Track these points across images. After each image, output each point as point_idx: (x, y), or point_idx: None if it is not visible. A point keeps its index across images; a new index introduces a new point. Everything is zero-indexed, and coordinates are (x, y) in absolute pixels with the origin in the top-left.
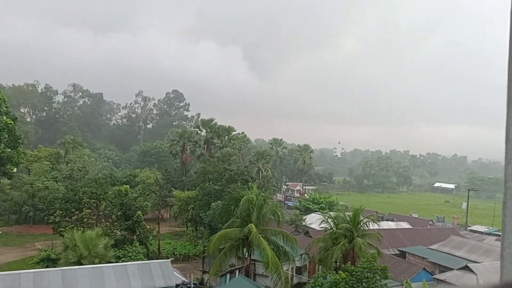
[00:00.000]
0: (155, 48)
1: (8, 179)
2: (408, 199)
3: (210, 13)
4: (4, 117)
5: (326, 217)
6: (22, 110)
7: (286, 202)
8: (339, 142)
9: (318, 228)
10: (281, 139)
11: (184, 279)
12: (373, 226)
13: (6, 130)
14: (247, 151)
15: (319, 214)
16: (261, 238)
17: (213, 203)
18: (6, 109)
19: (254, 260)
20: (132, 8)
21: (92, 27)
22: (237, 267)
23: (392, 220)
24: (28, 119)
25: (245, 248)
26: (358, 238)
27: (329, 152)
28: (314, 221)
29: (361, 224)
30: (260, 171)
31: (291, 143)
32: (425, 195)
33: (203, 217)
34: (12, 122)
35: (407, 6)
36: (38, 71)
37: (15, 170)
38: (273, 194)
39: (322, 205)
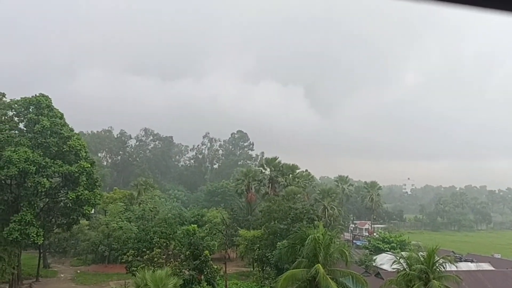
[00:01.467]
0: (219, 91)
1: (87, 220)
2: (488, 238)
3: (269, 55)
4: (83, 162)
5: (398, 257)
6: (99, 154)
7: (354, 241)
8: (408, 178)
9: (389, 269)
10: (346, 176)
11: None
12: (450, 267)
13: (84, 174)
14: (312, 189)
15: (390, 254)
16: (329, 279)
17: (278, 243)
18: (85, 154)
19: None
20: (195, 55)
21: (160, 75)
22: None
23: (472, 261)
24: (105, 163)
25: None
26: (434, 281)
27: (398, 188)
28: (385, 261)
29: (437, 265)
30: (326, 210)
31: (357, 180)
32: (508, 233)
33: (269, 257)
34: (90, 166)
35: (471, 38)
36: (113, 118)
37: (92, 211)
38: (340, 233)
39: (393, 244)
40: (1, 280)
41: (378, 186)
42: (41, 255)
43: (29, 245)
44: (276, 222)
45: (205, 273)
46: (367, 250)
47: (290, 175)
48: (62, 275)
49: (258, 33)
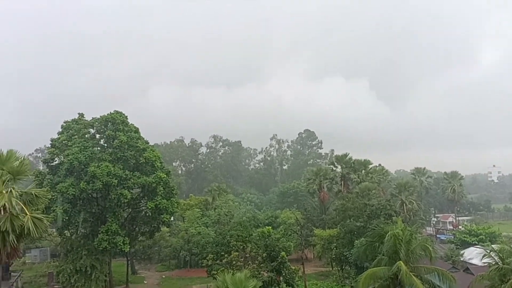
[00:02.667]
0: (283, 93)
1: (167, 227)
2: None
3: (330, 49)
4: (159, 172)
5: (488, 251)
6: (174, 163)
7: (437, 236)
8: (494, 166)
9: (480, 264)
10: (424, 168)
11: None
12: None
13: (161, 184)
14: (387, 184)
15: (479, 248)
16: (413, 276)
17: (356, 241)
18: (160, 164)
19: None
20: (257, 61)
21: (225, 83)
22: None
23: None
24: (180, 171)
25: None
26: None
27: (483, 177)
28: (474, 255)
29: None
30: (404, 204)
31: (436, 172)
32: None
33: (347, 255)
34: (166, 175)
35: None
36: (184, 128)
37: (172, 218)
38: (421, 228)
39: (481, 237)
40: (96, 286)
41: (460, 176)
42: (129, 262)
43: (117, 253)
44: (351, 220)
45: (284, 274)
46: (453, 245)
47: (363, 171)
48: (145, 282)
49: (316, 30)
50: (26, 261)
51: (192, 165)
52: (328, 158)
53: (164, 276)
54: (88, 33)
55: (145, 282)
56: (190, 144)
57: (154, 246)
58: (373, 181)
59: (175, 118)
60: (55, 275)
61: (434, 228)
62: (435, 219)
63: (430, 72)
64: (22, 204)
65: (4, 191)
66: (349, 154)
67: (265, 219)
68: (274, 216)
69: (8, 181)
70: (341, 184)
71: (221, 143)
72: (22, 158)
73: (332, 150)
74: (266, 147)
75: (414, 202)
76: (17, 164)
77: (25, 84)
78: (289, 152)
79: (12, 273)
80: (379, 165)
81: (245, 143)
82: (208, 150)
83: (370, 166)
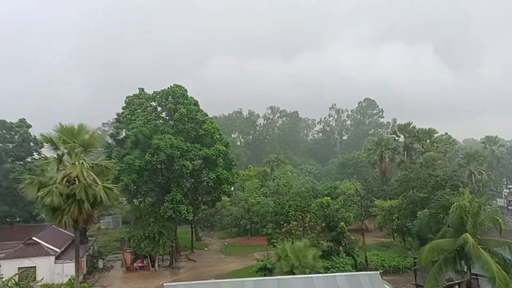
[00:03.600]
0: (340, 61)
1: (228, 196)
2: None
3: (392, 15)
4: (218, 145)
5: None
6: (232, 135)
7: (509, 207)
8: None
9: None
10: (495, 137)
11: None
12: None
13: (221, 156)
14: (454, 153)
15: None
16: (481, 249)
17: (419, 212)
18: (219, 136)
19: (476, 275)
20: (314, 29)
21: (280, 53)
22: (456, 282)
23: None
24: (238, 143)
25: (463, 261)
26: None
27: None
28: None
29: None
30: (473, 175)
31: (509, 140)
32: None
33: (409, 226)
34: (225, 147)
35: None
36: (241, 100)
37: (232, 188)
38: (491, 200)
39: None
40: (163, 251)
41: None
42: (193, 229)
43: (182, 221)
44: (414, 191)
45: (343, 244)
46: None
47: (427, 140)
48: (206, 249)
49: None
50: (101, 227)
51: (251, 136)
52: (390, 128)
53: (226, 243)
54: (144, 3)
55: (206, 249)
56: (248, 116)
57: (216, 214)
58: (439, 150)
59: (232, 89)
60: (127, 240)
61: (505, 200)
62: (507, 190)
63: (502, 35)
64: (94, 175)
65: (77, 163)
66: (412, 122)
67: (324, 190)
68: (333, 187)
69: (80, 153)
70: (403, 154)
71: (278, 114)
72: (92, 132)
73: (394, 119)
74: (325, 117)
75: (484, 172)
76: (87, 137)
77: (89, 60)
78: (348, 122)
79: (89, 238)
80: (446, 134)
81: (302, 114)
82: (266, 121)
83: (436, 135)
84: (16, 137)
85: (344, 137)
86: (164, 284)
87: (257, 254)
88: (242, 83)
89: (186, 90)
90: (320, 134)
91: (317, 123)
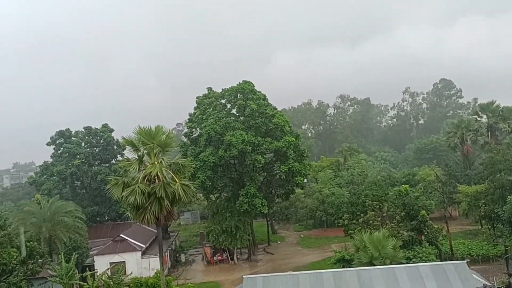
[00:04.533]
0: (411, 43)
1: (301, 188)
2: None
3: None
4: (288, 137)
5: None
6: (303, 127)
7: None
8: None
9: None
10: None
11: (486, 282)
12: None
13: (291, 147)
14: None
15: None
16: None
17: (509, 197)
18: (289, 128)
19: None
20: (382, 11)
21: (348, 39)
22: None
23: None
24: (309, 134)
25: None
26: None
27: None
28: None
29: None
30: None
31: None
32: None
33: (499, 212)
34: (295, 139)
35: None
36: (310, 91)
37: (305, 180)
38: None
39: None
40: (241, 245)
41: None
42: (269, 222)
43: (257, 214)
44: (502, 173)
45: (425, 233)
46: None
47: None
48: (279, 242)
49: None
50: (181, 223)
51: (321, 127)
52: (470, 108)
53: (302, 236)
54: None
55: (279, 242)
56: (317, 106)
57: (290, 207)
58: None
59: (300, 81)
60: (206, 235)
61: None
62: None
63: None
64: (171, 173)
65: (156, 162)
66: (495, 101)
67: (401, 178)
68: (411, 174)
69: (158, 153)
70: (487, 135)
71: (349, 102)
72: (168, 132)
73: (475, 99)
74: (399, 102)
75: None
76: (164, 138)
77: (161, 62)
78: (424, 105)
79: (170, 233)
80: None
81: (374, 100)
82: (336, 111)
83: None
84: (101, 141)
85: (421, 121)
86: (244, 276)
87: (334, 245)
88: (310, 74)
89: (254, 86)
90: (395, 119)
91: (390, 109)
